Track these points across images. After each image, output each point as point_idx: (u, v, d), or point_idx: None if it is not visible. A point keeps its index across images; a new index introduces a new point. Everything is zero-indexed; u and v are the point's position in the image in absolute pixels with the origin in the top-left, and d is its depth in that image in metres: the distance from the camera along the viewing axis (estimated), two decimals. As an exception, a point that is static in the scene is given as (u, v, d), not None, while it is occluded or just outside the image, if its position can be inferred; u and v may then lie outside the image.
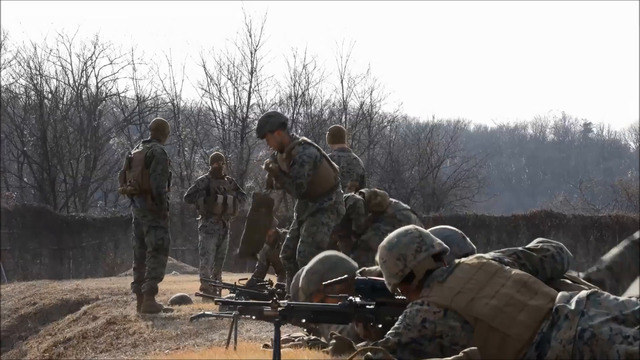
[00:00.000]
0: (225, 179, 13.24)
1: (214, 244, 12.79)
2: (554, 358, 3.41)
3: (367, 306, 4.24)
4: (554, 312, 3.54)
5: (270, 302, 4.14)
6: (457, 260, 3.95)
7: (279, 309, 4.08)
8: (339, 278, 4.89)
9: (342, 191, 8.38)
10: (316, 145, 8.28)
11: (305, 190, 8.06)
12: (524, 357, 3.51)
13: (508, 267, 3.83)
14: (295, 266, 8.13)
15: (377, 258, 4.13)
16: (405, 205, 9.01)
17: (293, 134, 8.40)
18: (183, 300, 11.77)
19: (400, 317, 3.83)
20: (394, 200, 9.03)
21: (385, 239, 4.10)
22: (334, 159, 8.82)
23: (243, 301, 5.70)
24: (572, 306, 3.51)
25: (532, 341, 3.50)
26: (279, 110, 36.63)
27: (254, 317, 4.54)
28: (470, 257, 3.98)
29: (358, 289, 4.29)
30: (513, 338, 3.53)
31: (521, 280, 3.73)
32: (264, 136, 8.22)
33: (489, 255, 3.99)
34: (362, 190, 8.93)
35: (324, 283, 4.95)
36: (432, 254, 3.94)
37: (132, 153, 10.92)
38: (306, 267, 5.45)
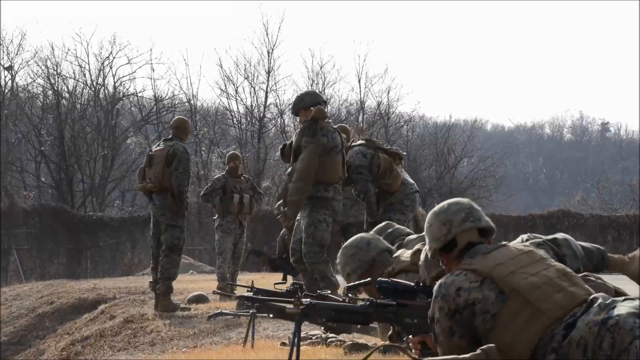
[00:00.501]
0: (242, 178, 13.21)
1: (230, 243, 12.76)
2: (578, 338, 3.47)
3: (388, 307, 4.23)
4: (589, 302, 3.62)
5: (292, 299, 4.13)
6: (503, 242, 4.00)
7: (301, 307, 4.07)
8: (362, 281, 4.88)
9: (341, 191, 8.46)
10: (343, 139, 8.41)
11: (309, 153, 8.10)
12: (550, 334, 3.56)
13: (550, 259, 3.92)
14: (305, 267, 8.22)
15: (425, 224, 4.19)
16: (411, 187, 8.92)
17: (328, 120, 8.56)
18: (200, 299, 11.77)
19: (435, 288, 3.86)
20: (403, 177, 8.95)
21: (437, 206, 4.15)
22: None
23: (263, 297, 5.67)
24: (608, 301, 3.59)
25: (562, 320, 3.57)
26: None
27: (271, 315, 4.51)
28: (516, 242, 4.07)
29: (380, 288, 4.28)
30: (544, 313, 3.60)
31: (563, 270, 3.82)
32: (298, 113, 8.48)
33: (530, 244, 4.08)
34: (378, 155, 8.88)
35: (346, 285, 4.95)
36: (477, 227, 3.99)
37: (153, 150, 10.92)
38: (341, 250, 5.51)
